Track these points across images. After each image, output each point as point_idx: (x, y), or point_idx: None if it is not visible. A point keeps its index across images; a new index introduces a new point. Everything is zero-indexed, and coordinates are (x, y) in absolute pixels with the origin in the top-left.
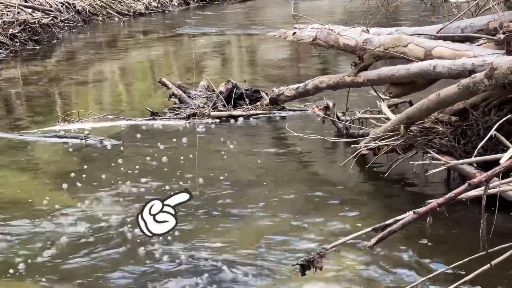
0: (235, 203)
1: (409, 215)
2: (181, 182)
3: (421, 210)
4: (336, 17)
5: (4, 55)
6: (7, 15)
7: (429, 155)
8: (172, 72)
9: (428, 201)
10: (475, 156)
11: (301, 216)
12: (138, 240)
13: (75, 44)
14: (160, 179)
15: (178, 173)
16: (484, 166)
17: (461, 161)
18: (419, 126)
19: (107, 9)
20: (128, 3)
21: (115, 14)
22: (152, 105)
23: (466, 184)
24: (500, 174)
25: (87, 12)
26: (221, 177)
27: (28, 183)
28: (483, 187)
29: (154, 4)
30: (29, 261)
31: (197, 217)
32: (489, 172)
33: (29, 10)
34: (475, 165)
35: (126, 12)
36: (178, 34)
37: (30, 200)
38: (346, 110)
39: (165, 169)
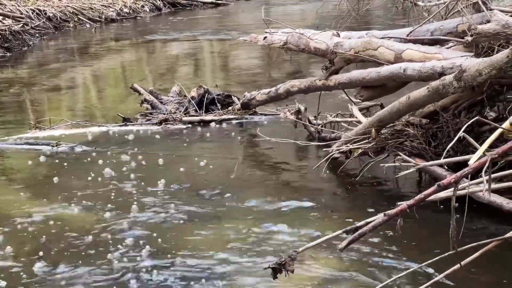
0: (204, 208)
1: (379, 217)
2: (149, 188)
3: (392, 212)
4: (308, 22)
5: None
6: None
7: (399, 157)
8: (144, 78)
9: (399, 203)
10: (445, 157)
11: (272, 219)
12: (108, 248)
13: (46, 51)
14: (131, 185)
15: (149, 178)
16: (455, 167)
17: (431, 162)
18: (390, 129)
19: (78, 16)
20: (99, 9)
21: (87, 20)
22: (124, 111)
23: (435, 186)
24: (469, 175)
25: (58, 19)
26: (190, 183)
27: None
28: (452, 188)
29: (125, 10)
30: None
31: (162, 224)
32: (458, 173)
33: None
34: (446, 166)
35: (97, 18)
36: (150, 40)
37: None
38: (318, 114)
39: (137, 174)
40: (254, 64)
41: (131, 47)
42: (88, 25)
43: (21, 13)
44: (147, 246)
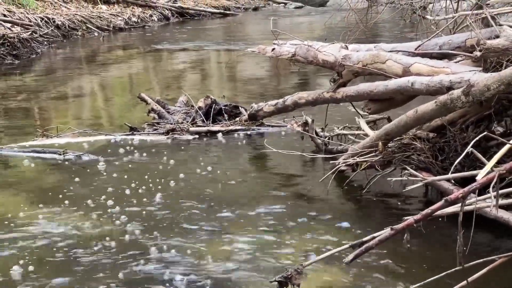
0: (210, 219)
1: (386, 232)
2: (154, 198)
3: (398, 226)
4: (316, 34)
5: None
6: None
7: (406, 171)
8: (152, 87)
9: (405, 217)
10: (452, 172)
11: (278, 232)
12: (113, 257)
13: (54, 59)
14: (138, 195)
15: (155, 188)
16: (462, 182)
17: (438, 177)
18: (397, 142)
19: (86, 24)
20: (108, 18)
21: (95, 29)
22: (131, 120)
23: (443, 201)
24: (477, 191)
25: (67, 27)
26: (196, 193)
27: (5, 198)
28: (459, 204)
29: (134, 19)
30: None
31: (170, 233)
32: (466, 189)
33: (8, 25)
34: (453, 181)
35: (105, 27)
36: (157, 50)
37: (6, 215)
38: (325, 126)
39: (142, 183)
40: (261, 75)
41: (139, 56)
42: (96, 34)
43: (30, 21)
44: (152, 255)
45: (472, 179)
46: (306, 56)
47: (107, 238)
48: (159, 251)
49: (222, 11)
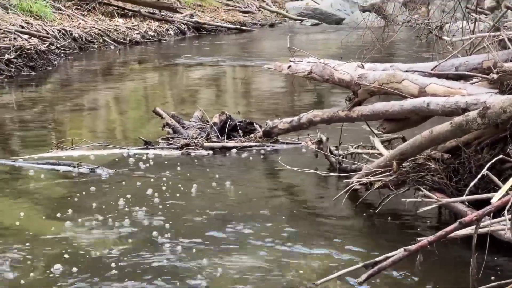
0: (220, 235)
1: (399, 252)
2: (167, 212)
3: (412, 247)
4: (332, 51)
5: None
6: (3, 40)
7: (420, 192)
8: (167, 101)
9: (419, 238)
10: (467, 194)
11: (290, 250)
12: (126, 271)
13: (70, 71)
14: (150, 209)
15: (169, 203)
16: (476, 203)
17: (453, 199)
18: (411, 163)
19: (103, 37)
20: (124, 31)
21: (111, 42)
22: (146, 134)
23: (457, 223)
24: (491, 213)
25: (83, 40)
26: (208, 208)
27: (19, 210)
28: (474, 226)
29: (150, 33)
30: None
31: (182, 251)
32: (480, 211)
33: (26, 36)
34: (467, 202)
35: (122, 40)
36: (173, 64)
37: (20, 227)
38: (339, 144)
39: (156, 198)
40: (276, 92)
41: (154, 70)
42: (112, 47)
43: (47, 33)
44: (165, 270)
45: (487, 201)
46: (322, 74)
47: (115, 251)
48: (169, 263)
49: (239, 26)
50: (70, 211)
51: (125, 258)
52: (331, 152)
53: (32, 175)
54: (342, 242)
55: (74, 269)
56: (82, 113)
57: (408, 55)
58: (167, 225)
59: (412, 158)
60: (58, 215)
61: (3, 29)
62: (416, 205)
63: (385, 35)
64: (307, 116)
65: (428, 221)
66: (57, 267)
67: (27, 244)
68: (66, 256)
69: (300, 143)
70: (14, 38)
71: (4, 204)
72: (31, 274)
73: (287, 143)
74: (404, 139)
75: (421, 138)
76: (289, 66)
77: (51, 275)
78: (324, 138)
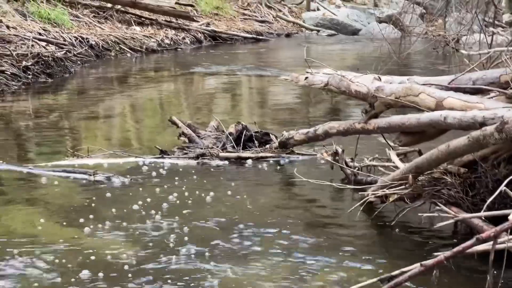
0: (235, 244)
1: (416, 267)
2: (184, 222)
3: (428, 262)
4: (348, 62)
5: (16, 87)
6: (21, 47)
7: (437, 207)
8: (182, 110)
9: (435, 253)
10: (484, 210)
11: (303, 261)
12: (143, 279)
13: (86, 78)
14: (166, 218)
15: (184, 212)
16: (492, 219)
17: (470, 215)
18: (427, 176)
19: (120, 45)
20: (141, 39)
21: (128, 50)
22: (161, 143)
23: (474, 239)
24: (509, 230)
25: (100, 47)
26: (223, 217)
27: (38, 217)
28: (491, 242)
29: (166, 41)
30: None
31: (195, 259)
32: (498, 228)
33: (43, 43)
34: (483, 218)
35: (138, 48)
36: (189, 72)
37: (41, 234)
38: (355, 156)
39: (171, 208)
40: (292, 103)
41: (170, 79)
42: (129, 55)
43: (64, 40)
44: (181, 275)
45: (504, 217)
46: (339, 86)
47: (135, 259)
48: (185, 268)
49: (255, 36)
50: (88, 218)
51: (144, 263)
52: (346, 164)
53: (48, 183)
54: (357, 255)
55: (100, 275)
56: (98, 121)
57: (425, 67)
58: (183, 231)
59: (428, 172)
60: (77, 222)
61: (21, 36)
62: (432, 218)
63: (401, 47)
64: (323, 128)
65: (444, 235)
66: (85, 273)
67: (52, 250)
68: (90, 261)
69: (316, 155)
70: (32, 45)
71: (23, 212)
72: (61, 280)
73: (302, 155)
74: (420, 152)
75: (437, 151)
76: (306, 78)
77: (79, 280)
78: (339, 150)
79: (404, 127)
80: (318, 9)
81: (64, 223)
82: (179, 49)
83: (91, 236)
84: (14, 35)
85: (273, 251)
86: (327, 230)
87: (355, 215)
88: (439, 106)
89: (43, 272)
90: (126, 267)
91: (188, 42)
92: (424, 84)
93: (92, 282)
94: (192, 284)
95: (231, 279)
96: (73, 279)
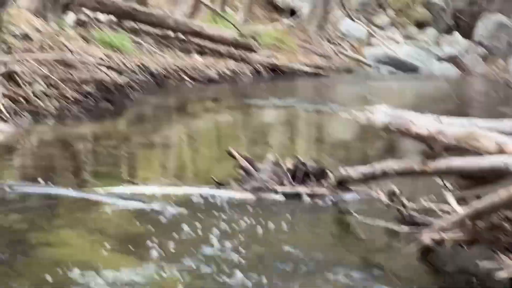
0: (285, 280)
1: None
2: (237, 256)
3: None
4: (407, 101)
5: (77, 112)
6: (84, 72)
7: (497, 256)
8: (239, 142)
9: None
10: None
11: None
12: None
13: (146, 106)
14: (222, 246)
15: (239, 241)
16: None
17: None
18: (486, 221)
19: (180, 73)
20: (201, 69)
21: (187, 79)
22: (218, 174)
23: None
24: None
25: (161, 75)
26: (276, 252)
27: (89, 244)
28: None
29: (226, 72)
30: None
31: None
32: None
33: (105, 69)
34: None
35: (198, 77)
36: (247, 104)
37: (89, 262)
38: (412, 197)
39: (225, 240)
40: (350, 139)
41: (228, 109)
42: (188, 84)
43: (126, 67)
44: None
45: None
46: (398, 127)
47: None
48: None
49: (315, 70)
50: (146, 246)
51: None
52: (402, 204)
53: (105, 210)
54: None
55: None
56: (155, 149)
57: (485, 109)
58: (238, 261)
59: (487, 217)
60: (137, 250)
61: (84, 61)
62: (489, 265)
63: (462, 87)
64: (381, 167)
65: (500, 283)
66: None
67: (120, 279)
68: None
69: (372, 193)
70: (94, 71)
71: (83, 239)
72: None
73: (359, 193)
74: (478, 197)
75: (498, 197)
76: (366, 116)
77: None
78: (396, 190)
79: (464, 171)
80: (378, 45)
81: (126, 252)
82: (238, 80)
83: (154, 263)
84: (77, 60)
85: (325, 285)
86: (379, 270)
87: (410, 257)
88: (501, 151)
89: None
90: None
91: (248, 73)
92: (485, 129)
93: None
94: None
95: None
96: None
